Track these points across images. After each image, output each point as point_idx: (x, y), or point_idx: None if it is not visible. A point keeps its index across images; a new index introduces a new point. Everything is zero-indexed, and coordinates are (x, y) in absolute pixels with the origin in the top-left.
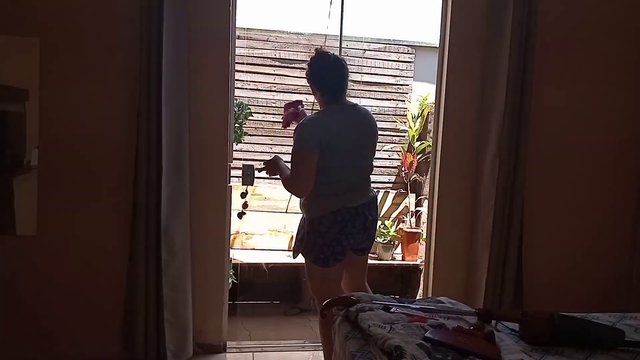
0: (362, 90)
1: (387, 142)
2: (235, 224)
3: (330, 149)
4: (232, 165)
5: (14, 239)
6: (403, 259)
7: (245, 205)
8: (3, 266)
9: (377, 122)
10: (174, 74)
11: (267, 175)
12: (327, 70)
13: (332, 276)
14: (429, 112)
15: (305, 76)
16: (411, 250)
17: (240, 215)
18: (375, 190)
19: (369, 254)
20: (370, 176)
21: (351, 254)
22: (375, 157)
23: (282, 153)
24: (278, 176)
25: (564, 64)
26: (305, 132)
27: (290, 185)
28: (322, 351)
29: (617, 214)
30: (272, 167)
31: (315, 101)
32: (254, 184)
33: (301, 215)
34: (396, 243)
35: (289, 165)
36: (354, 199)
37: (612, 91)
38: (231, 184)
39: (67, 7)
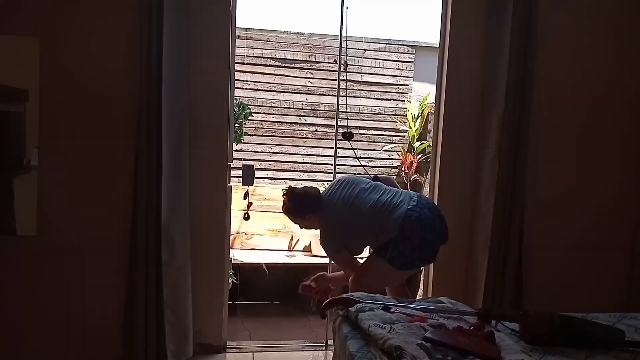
0: (362, 90)
1: (387, 142)
2: (235, 224)
3: (350, 219)
4: (232, 165)
5: (14, 239)
6: None
7: (249, 206)
8: (3, 266)
9: (377, 122)
10: (174, 74)
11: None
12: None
13: (402, 277)
14: (429, 112)
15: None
16: None
17: (248, 217)
18: None
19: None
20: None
21: None
22: (376, 157)
23: (281, 153)
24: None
25: (564, 63)
26: (328, 242)
27: (356, 278)
28: (322, 351)
29: (618, 214)
30: (323, 281)
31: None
32: (254, 184)
33: None
34: None
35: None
36: (407, 203)
37: (613, 90)
38: (231, 184)
39: (67, 7)
